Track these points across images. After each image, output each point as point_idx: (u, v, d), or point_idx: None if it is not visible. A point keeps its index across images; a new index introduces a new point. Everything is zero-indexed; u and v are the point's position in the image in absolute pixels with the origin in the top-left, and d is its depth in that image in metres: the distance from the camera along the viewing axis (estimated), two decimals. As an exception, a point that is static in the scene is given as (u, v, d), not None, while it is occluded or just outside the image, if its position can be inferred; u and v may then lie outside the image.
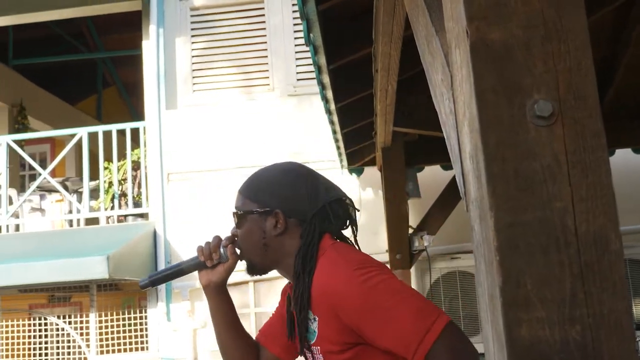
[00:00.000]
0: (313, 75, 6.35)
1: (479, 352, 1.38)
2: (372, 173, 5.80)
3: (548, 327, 0.87)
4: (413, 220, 5.02)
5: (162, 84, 6.57)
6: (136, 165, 6.73)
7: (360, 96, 3.73)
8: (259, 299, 5.98)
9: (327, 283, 1.44)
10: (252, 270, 1.63)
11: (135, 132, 6.80)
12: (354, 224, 1.61)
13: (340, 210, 1.57)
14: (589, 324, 0.86)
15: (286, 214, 1.56)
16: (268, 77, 6.57)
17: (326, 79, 3.11)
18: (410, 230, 4.98)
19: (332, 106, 3.54)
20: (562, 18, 0.88)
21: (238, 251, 1.63)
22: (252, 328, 6.16)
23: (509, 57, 0.91)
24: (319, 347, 1.50)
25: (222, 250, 1.64)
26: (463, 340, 1.38)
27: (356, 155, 5.19)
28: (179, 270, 1.68)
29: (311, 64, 6.37)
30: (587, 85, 0.88)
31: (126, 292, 7.08)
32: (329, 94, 3.36)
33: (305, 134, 6.39)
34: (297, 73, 6.55)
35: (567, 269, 0.87)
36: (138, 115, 10.43)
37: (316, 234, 1.53)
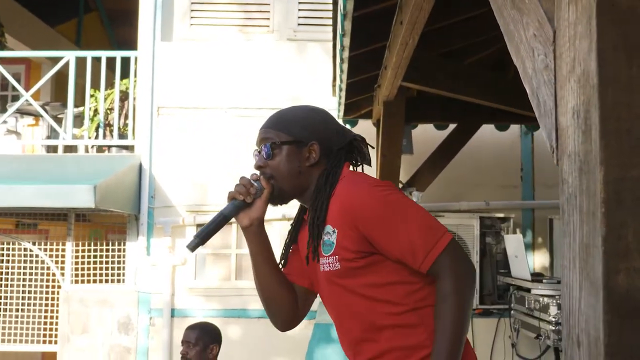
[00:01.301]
0: (314, 21, 6.32)
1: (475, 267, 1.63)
2: (365, 127, 5.82)
3: (644, 277, 0.93)
4: (403, 176, 5.09)
5: (158, 14, 6.38)
6: (124, 96, 6.60)
7: (371, 48, 3.72)
8: (241, 240, 6.01)
9: (349, 197, 1.64)
10: (278, 198, 1.76)
11: (123, 62, 6.61)
12: (367, 160, 1.81)
13: (361, 146, 1.79)
14: (687, 277, 0.92)
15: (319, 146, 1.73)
16: (269, 19, 6.46)
17: (348, 26, 3.10)
18: (400, 186, 5.05)
19: (346, 54, 3.53)
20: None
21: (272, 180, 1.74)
22: (232, 268, 6.22)
23: (634, 17, 0.94)
24: (337, 256, 1.65)
25: (256, 183, 1.72)
26: (463, 255, 1.62)
27: (352, 107, 5.19)
28: (223, 218, 1.69)
29: (313, 10, 6.33)
30: None
31: (95, 224, 6.98)
32: (346, 42, 3.34)
33: (301, 80, 6.34)
34: (299, 17, 6.45)
35: (669, 225, 0.92)
36: (119, 45, 10.14)
37: (341, 162, 1.74)
